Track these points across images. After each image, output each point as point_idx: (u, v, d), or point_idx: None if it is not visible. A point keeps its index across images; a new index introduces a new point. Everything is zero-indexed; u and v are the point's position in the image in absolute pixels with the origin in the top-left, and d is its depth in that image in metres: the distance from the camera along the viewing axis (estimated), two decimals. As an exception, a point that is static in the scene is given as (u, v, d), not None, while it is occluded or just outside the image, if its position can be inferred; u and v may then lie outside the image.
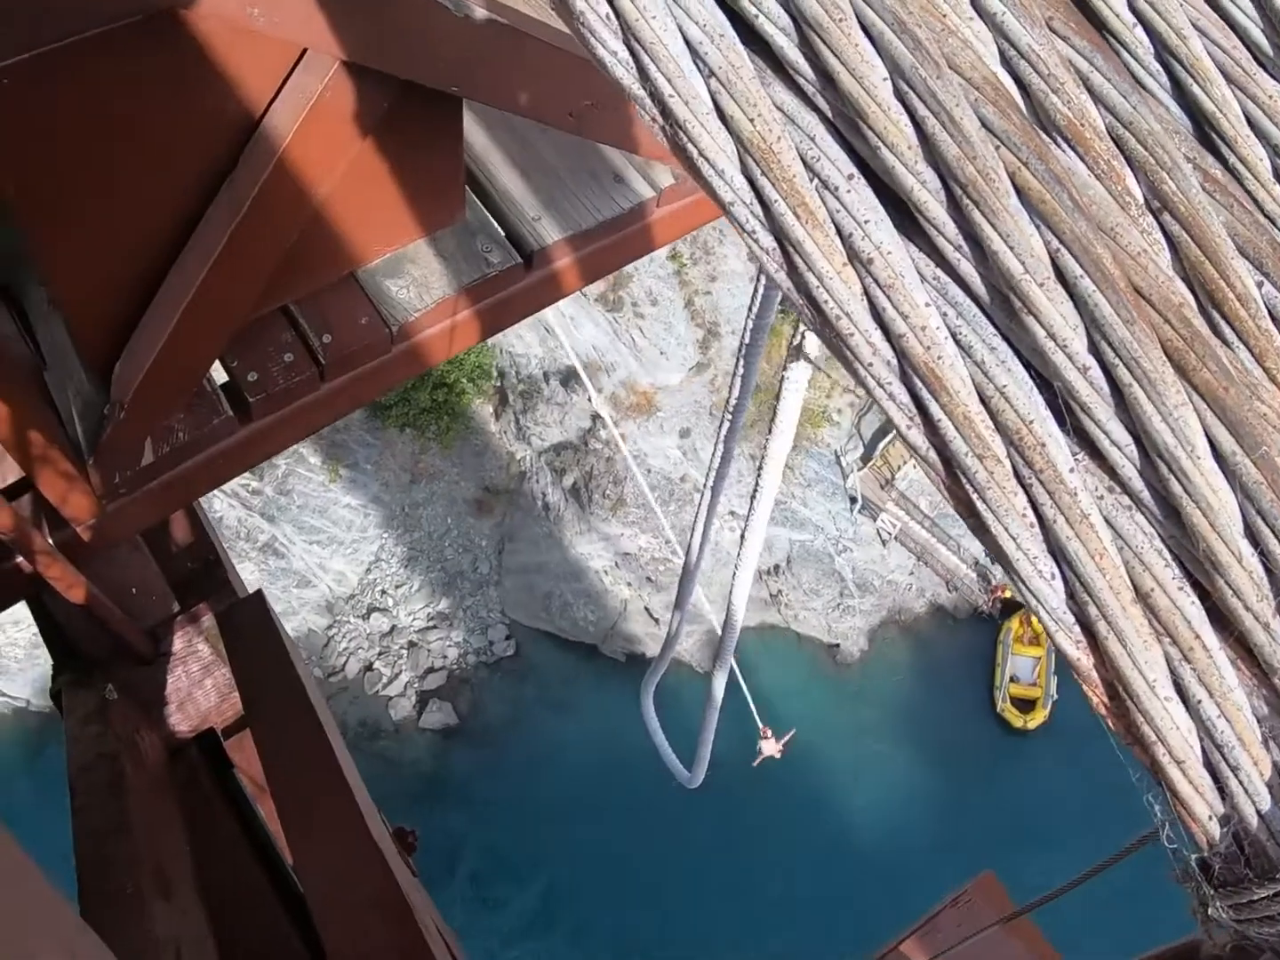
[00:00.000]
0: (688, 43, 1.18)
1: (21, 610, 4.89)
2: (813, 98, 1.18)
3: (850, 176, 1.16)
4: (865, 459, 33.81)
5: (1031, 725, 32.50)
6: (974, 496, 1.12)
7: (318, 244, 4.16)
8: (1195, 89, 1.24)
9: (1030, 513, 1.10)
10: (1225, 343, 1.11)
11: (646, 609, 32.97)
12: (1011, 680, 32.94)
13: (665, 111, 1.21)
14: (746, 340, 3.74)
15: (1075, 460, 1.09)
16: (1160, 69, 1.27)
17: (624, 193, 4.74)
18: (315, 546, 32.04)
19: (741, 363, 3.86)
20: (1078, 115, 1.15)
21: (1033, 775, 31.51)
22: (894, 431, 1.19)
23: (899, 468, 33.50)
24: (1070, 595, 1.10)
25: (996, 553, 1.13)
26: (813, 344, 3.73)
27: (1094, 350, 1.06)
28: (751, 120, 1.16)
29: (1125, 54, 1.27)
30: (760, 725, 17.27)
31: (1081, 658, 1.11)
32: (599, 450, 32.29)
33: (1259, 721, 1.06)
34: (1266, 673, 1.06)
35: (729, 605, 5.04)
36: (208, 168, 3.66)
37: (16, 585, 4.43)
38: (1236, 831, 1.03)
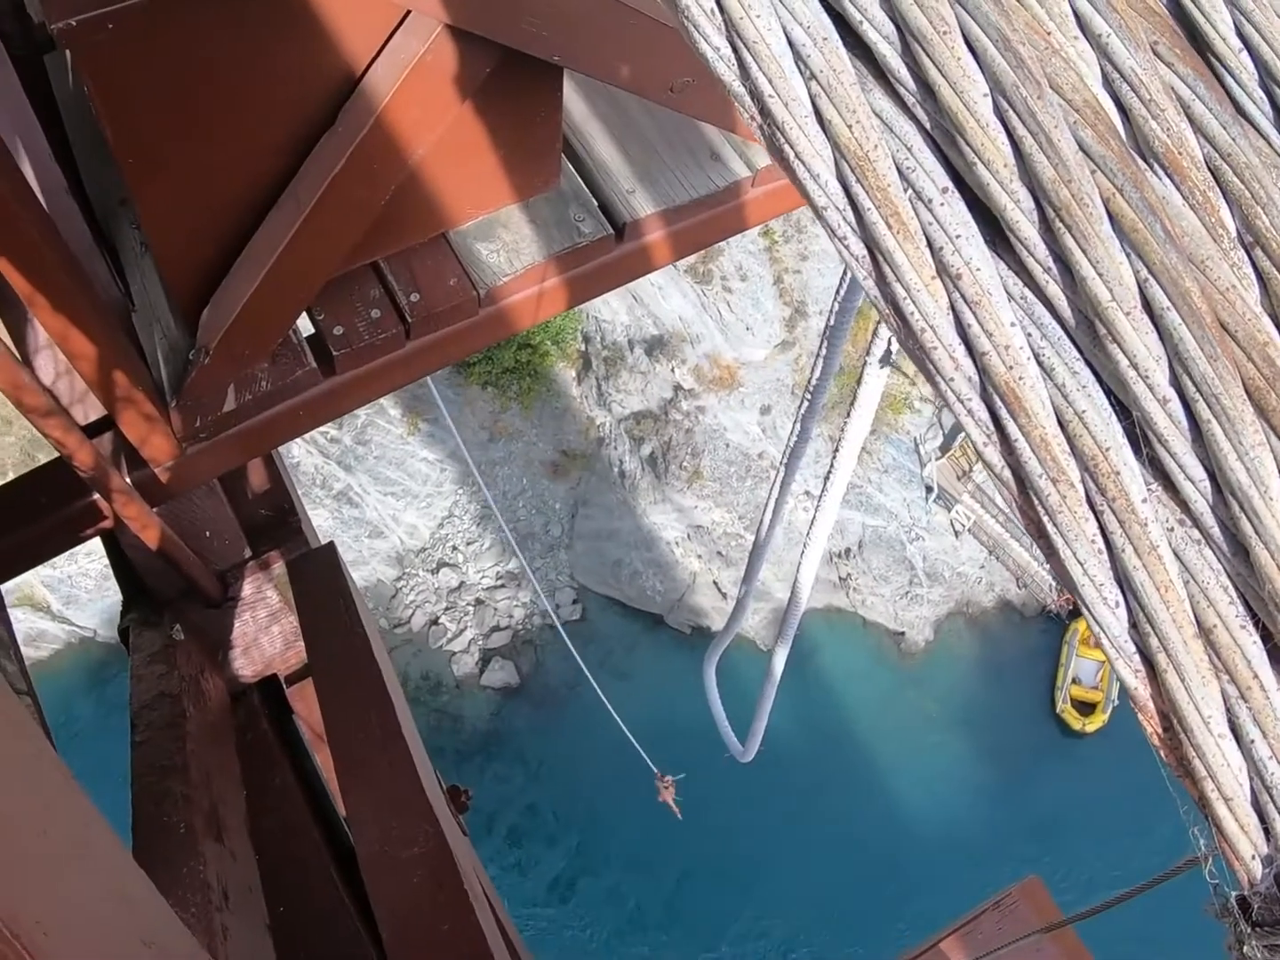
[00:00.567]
0: (791, 44, 1.19)
1: (93, 541, 4.95)
2: (912, 108, 1.18)
3: (945, 190, 1.16)
4: (944, 449, 33.61)
5: (1090, 729, 32.27)
6: (1045, 519, 1.12)
7: (411, 203, 4.18)
8: (1299, 120, 1.23)
9: (1100, 539, 1.10)
10: (1309, 384, 1.10)
11: (715, 583, 32.96)
12: (1074, 682, 32.71)
13: (764, 111, 1.21)
14: (832, 321, 3.73)
15: (1149, 491, 1.09)
16: (1264, 97, 1.26)
17: (720, 170, 4.73)
18: (389, 498, 32.22)
19: (826, 343, 3.85)
20: (1176, 144, 1.15)
21: (1087, 779, 31.31)
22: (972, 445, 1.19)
23: (977, 461, 33.28)
24: (1133, 624, 1.10)
25: (1063, 576, 1.13)
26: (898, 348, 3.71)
27: (1175, 383, 1.06)
28: (850, 126, 1.16)
29: (1229, 79, 1.26)
30: (656, 771, 18.10)
31: (1139, 687, 1.11)
32: (679, 421, 32.26)
33: (1313, 766, 1.05)
34: (1325, 717, 1.05)
35: (795, 583, 5.04)
36: (306, 122, 3.68)
37: (92, 522, 4.49)
38: (1278, 873, 1.03)
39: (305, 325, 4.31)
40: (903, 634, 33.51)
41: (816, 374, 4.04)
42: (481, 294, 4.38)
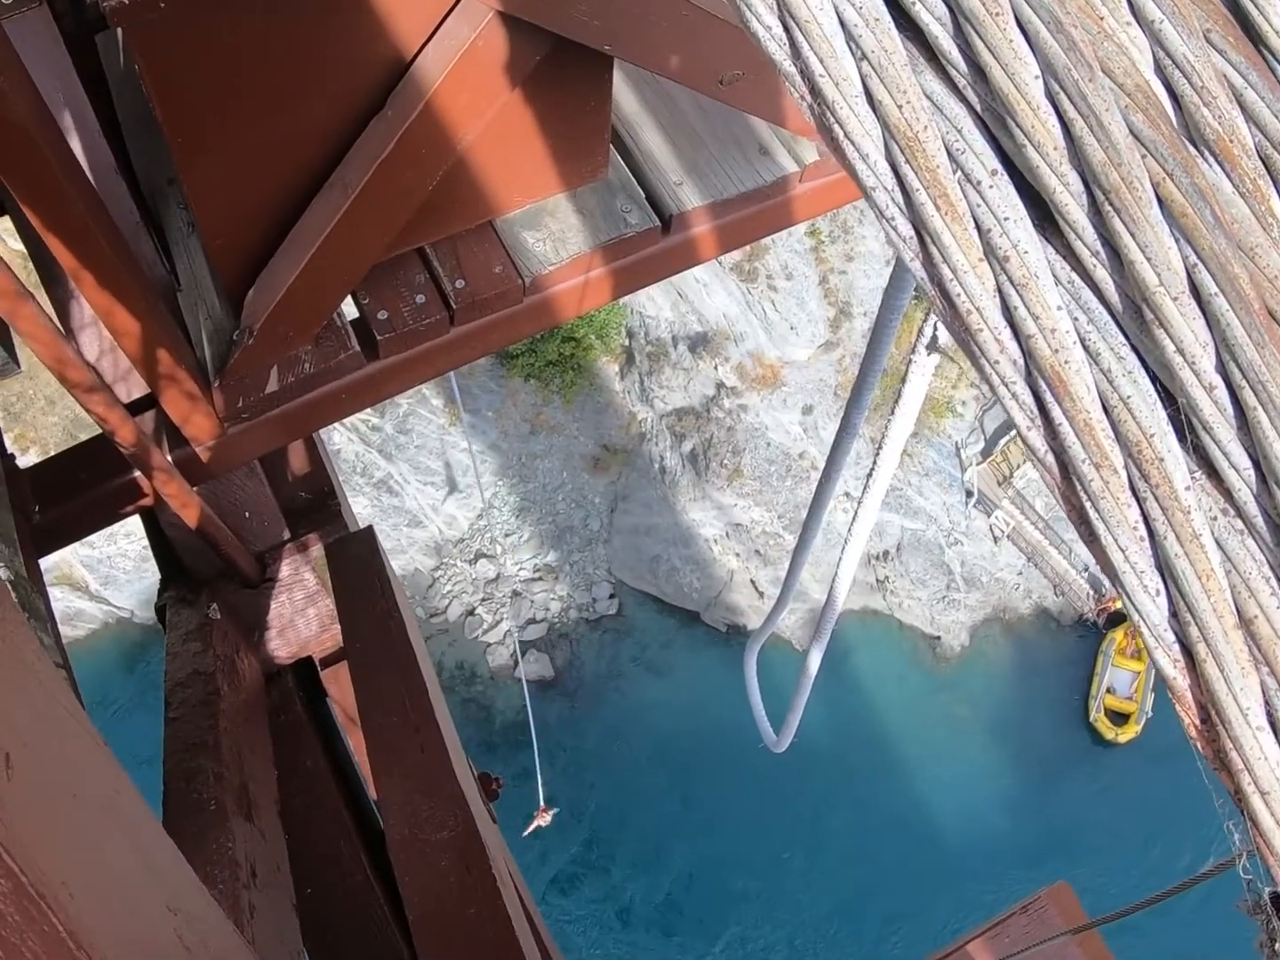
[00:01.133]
0: (843, 23, 1.18)
1: (132, 521, 4.97)
2: (963, 90, 1.17)
3: (994, 172, 1.15)
4: (985, 454, 33.50)
5: (1122, 739, 32.15)
6: (1087, 505, 1.12)
7: (459, 189, 4.19)
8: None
9: (1142, 526, 1.09)
10: (1357, 375, 1.09)
11: (753, 582, 32.94)
12: (1108, 691, 32.59)
13: (814, 90, 1.20)
14: (878, 321, 3.73)
15: (1192, 478, 1.08)
16: (1318, 88, 1.25)
17: (768, 165, 4.71)
18: (429, 488, 32.31)
19: (871, 344, 3.84)
20: (1228, 131, 1.14)
21: (1118, 789, 31.19)
22: (1015, 430, 1.18)
23: (1018, 466, 33.18)
24: (1173, 613, 1.09)
25: (1104, 562, 1.13)
26: (945, 334, 3.70)
27: (1221, 370, 1.05)
28: (900, 107, 1.16)
29: (1284, 70, 1.25)
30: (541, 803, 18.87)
31: (1178, 677, 1.10)
32: (721, 419, 32.25)
33: (1352, 763, 1.04)
34: (1365, 714, 1.04)
35: (833, 585, 5.03)
36: (355, 106, 3.69)
37: (132, 499, 4.51)
38: (1315, 870, 1.02)
39: (350, 309, 4.33)
40: (938, 638, 33.43)
41: (862, 373, 4.03)
42: (526, 282, 4.38)
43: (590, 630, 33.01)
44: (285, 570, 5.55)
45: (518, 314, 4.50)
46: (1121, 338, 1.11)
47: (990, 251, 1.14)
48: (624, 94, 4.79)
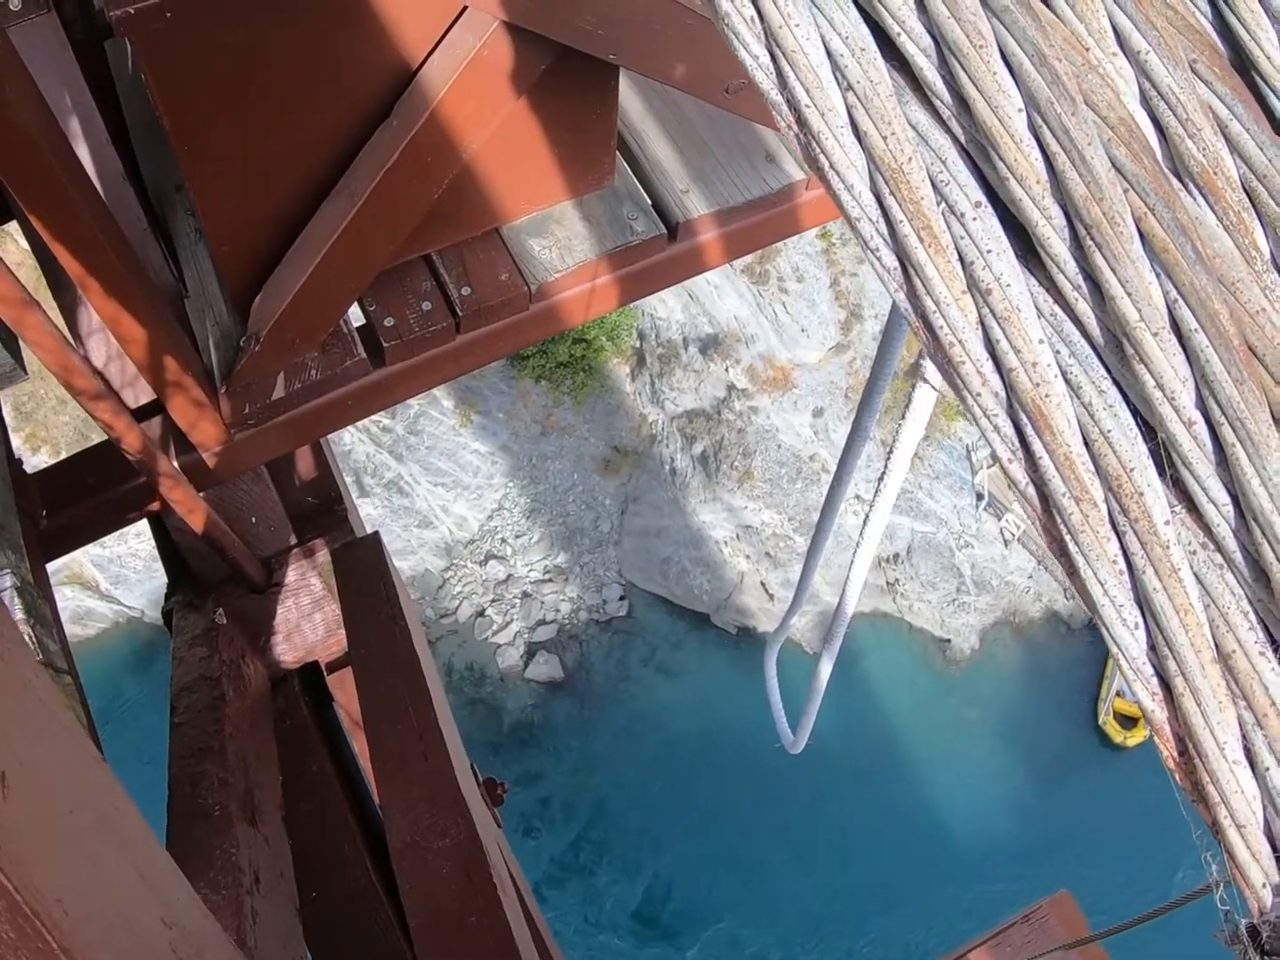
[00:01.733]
0: (829, 54, 1.19)
1: (143, 521, 4.99)
2: (947, 121, 1.18)
3: (977, 204, 1.15)
4: (995, 457, 33.38)
5: (1131, 743, 32.02)
6: (1067, 538, 1.12)
7: (465, 197, 4.20)
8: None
9: (1121, 560, 1.10)
10: (1338, 412, 1.10)
11: (763, 584, 32.89)
12: (1118, 695, 32.48)
13: (800, 120, 1.21)
14: (888, 326, 3.73)
15: (1172, 513, 1.08)
16: (1310, 118, 1.25)
17: (774, 173, 4.72)
18: (440, 489, 32.30)
19: (881, 348, 3.84)
20: (1212, 163, 1.14)
21: (1125, 793, 31.07)
22: (997, 462, 1.19)
23: (1026, 470, 33.06)
24: (1152, 647, 1.10)
25: (1083, 595, 1.13)
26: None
27: (1201, 406, 1.06)
28: (885, 138, 1.16)
29: (1273, 98, 1.25)
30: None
31: (1156, 710, 1.10)
32: (731, 421, 32.20)
33: (1328, 798, 1.05)
34: (1343, 748, 1.05)
35: (845, 586, 5.03)
36: (361, 114, 3.71)
37: (139, 505, 4.53)
38: (1290, 903, 1.02)
39: (356, 315, 4.34)
40: (948, 641, 33.36)
41: (873, 376, 4.03)
42: (533, 289, 4.39)
43: (600, 632, 32.97)
44: (291, 575, 5.56)
45: (524, 321, 4.51)
46: (1103, 371, 1.12)
47: (973, 284, 1.14)
48: (630, 101, 4.80)
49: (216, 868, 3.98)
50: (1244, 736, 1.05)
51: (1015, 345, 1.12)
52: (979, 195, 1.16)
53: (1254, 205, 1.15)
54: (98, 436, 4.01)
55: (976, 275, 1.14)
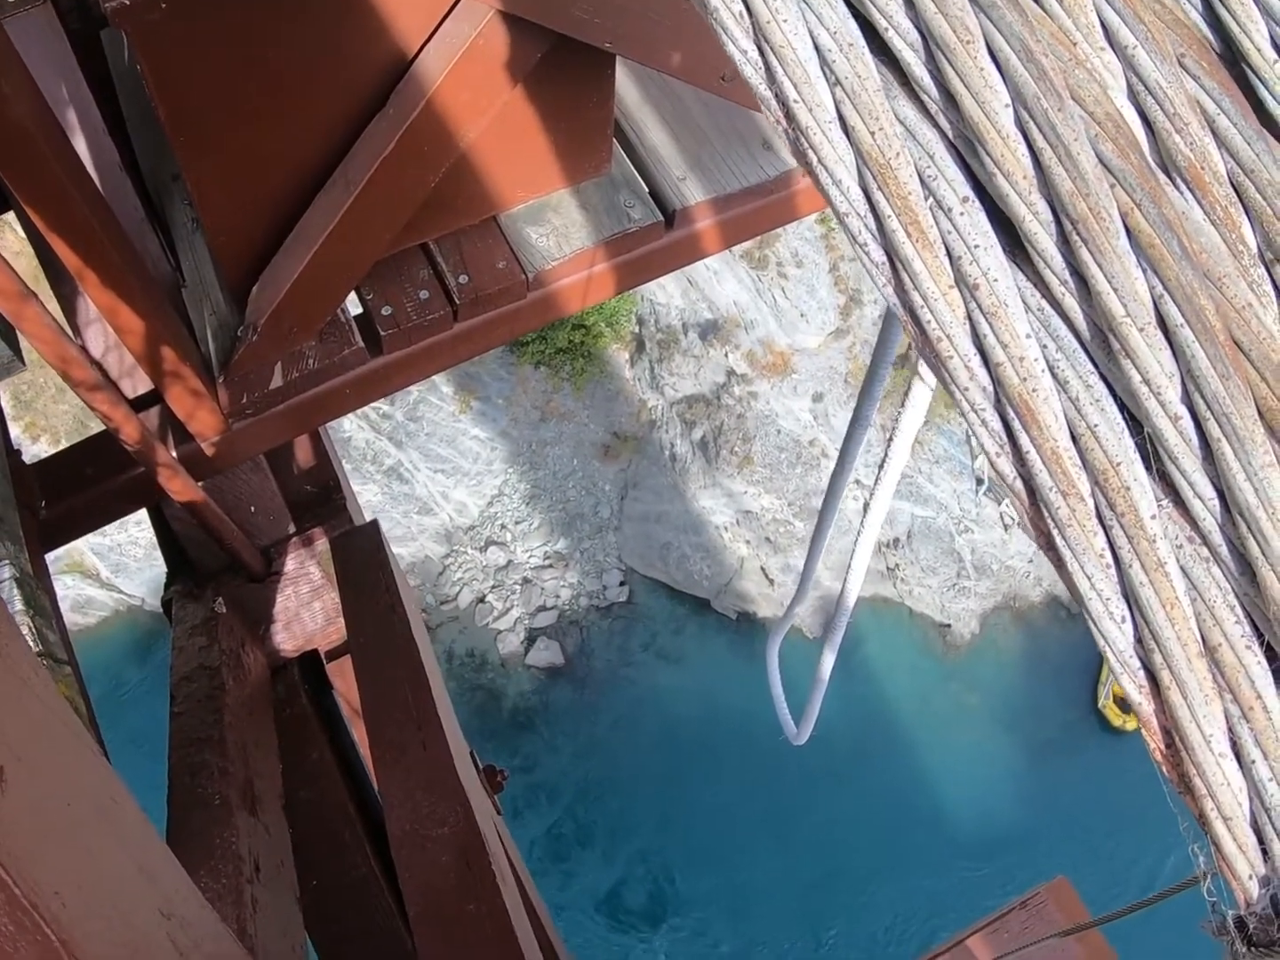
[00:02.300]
0: (817, 49, 1.19)
1: (142, 511, 5.00)
2: (935, 116, 1.18)
3: (965, 199, 1.16)
4: (984, 451, 33.28)
5: (1130, 727, 31.91)
6: (1054, 531, 1.13)
7: (462, 185, 4.20)
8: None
9: (1108, 554, 1.10)
10: (1324, 408, 1.10)
11: (763, 569, 32.88)
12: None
13: (789, 115, 1.21)
14: (888, 314, 3.73)
15: (1159, 507, 1.09)
16: (1296, 111, 1.25)
17: (771, 160, 4.72)
18: (440, 475, 32.28)
19: (881, 336, 3.84)
20: (1200, 158, 1.15)
21: (1125, 777, 31.06)
22: (984, 455, 1.20)
23: (1028, 454, 33.02)
24: (1138, 640, 1.10)
25: (1071, 588, 1.14)
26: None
27: (1187, 400, 1.06)
28: (872, 133, 1.16)
29: (1264, 91, 1.26)
30: None
31: (1143, 703, 1.11)
32: (731, 406, 32.17)
33: (1313, 790, 1.05)
34: (1329, 741, 1.05)
35: (846, 578, 5.02)
36: (357, 104, 3.71)
37: (137, 494, 4.53)
38: (1275, 894, 1.03)
39: (354, 304, 4.35)
40: (949, 626, 33.35)
41: (874, 361, 4.03)
42: (530, 277, 4.39)
43: (601, 617, 32.95)
44: (290, 564, 5.57)
45: (521, 309, 4.51)
46: (1090, 366, 1.12)
47: (961, 279, 1.14)
48: (627, 89, 4.79)
49: (216, 856, 3.99)
50: (1230, 729, 1.05)
51: (1002, 340, 1.12)
52: (966, 190, 1.16)
53: (1241, 200, 1.16)
54: (96, 426, 4.02)
55: (964, 270, 1.14)
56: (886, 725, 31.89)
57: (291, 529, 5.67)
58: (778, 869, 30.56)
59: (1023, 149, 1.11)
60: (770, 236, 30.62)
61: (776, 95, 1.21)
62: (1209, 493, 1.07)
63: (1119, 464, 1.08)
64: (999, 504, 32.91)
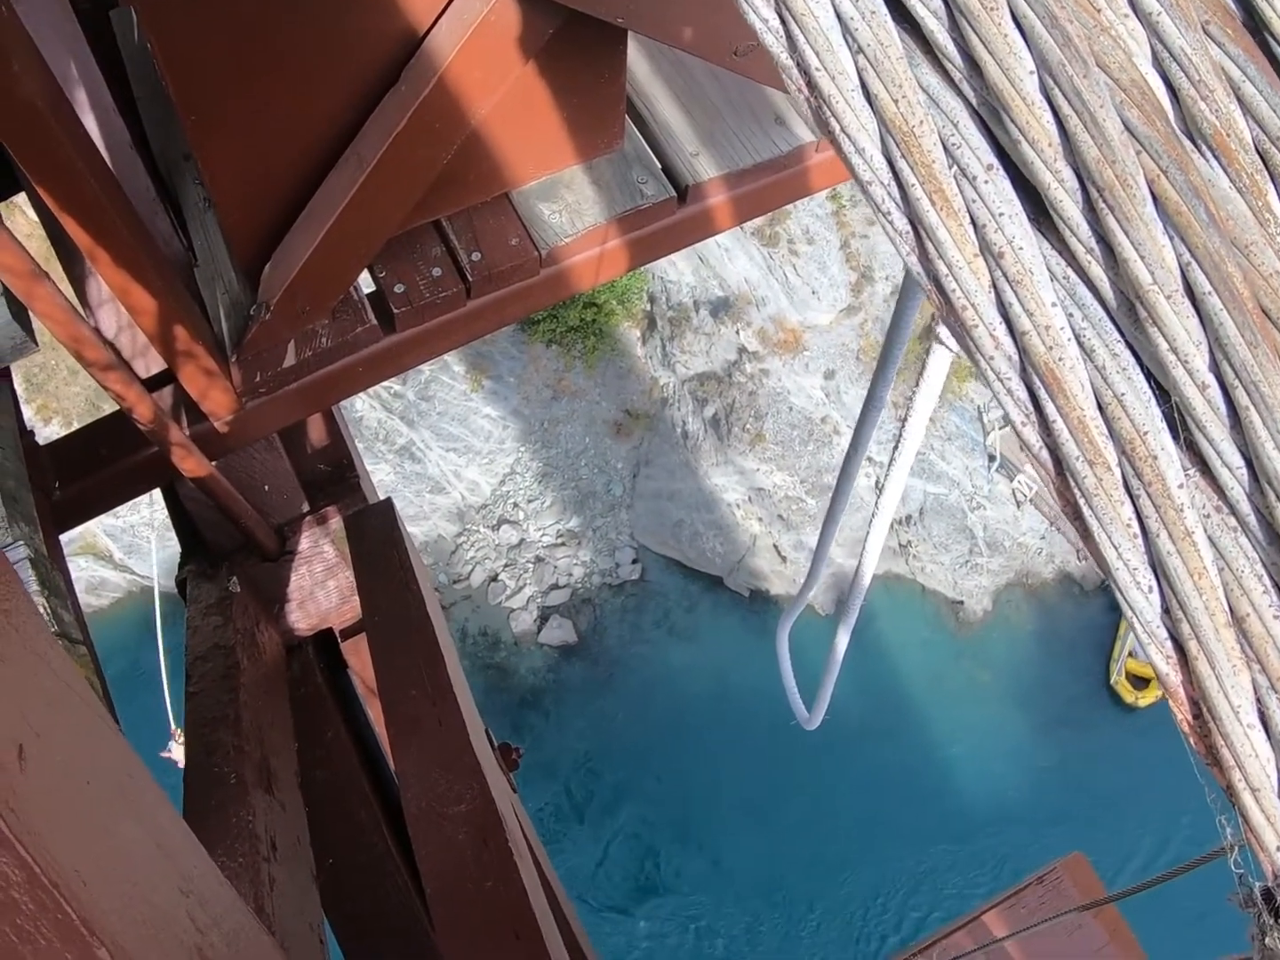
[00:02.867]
0: (839, 17, 1.18)
1: (156, 490, 5.00)
2: (958, 84, 1.17)
3: (989, 167, 1.15)
4: (1009, 420, 33.25)
5: (1143, 703, 31.98)
6: (1081, 501, 1.12)
7: (474, 162, 4.19)
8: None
9: (1135, 524, 1.09)
10: (1352, 374, 1.09)
11: (775, 546, 32.90)
12: (1130, 655, 32.43)
13: (811, 84, 1.20)
14: (902, 294, 3.70)
15: (1186, 476, 1.08)
16: (1321, 77, 1.24)
17: (784, 135, 4.70)
18: (452, 454, 32.33)
19: (895, 316, 3.82)
20: (1225, 125, 1.13)
21: (1138, 753, 31.07)
22: (1010, 425, 1.19)
23: (1041, 430, 32.97)
24: (1166, 610, 1.09)
25: (1098, 558, 1.13)
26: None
27: (1215, 369, 1.05)
28: (896, 101, 1.15)
29: (1288, 59, 1.24)
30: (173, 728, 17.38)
31: (1170, 673, 1.10)
32: (743, 383, 32.17)
33: (1343, 760, 1.05)
34: (1358, 711, 1.05)
35: (860, 560, 5.00)
36: (369, 80, 3.70)
37: (151, 474, 4.53)
38: (1305, 866, 1.02)
39: (366, 282, 4.34)
40: (961, 603, 33.36)
41: (889, 338, 4.00)
42: (543, 254, 4.38)
43: (613, 595, 33.02)
44: (305, 543, 5.56)
45: (534, 286, 4.50)
46: (1116, 334, 1.11)
47: (985, 247, 1.13)
48: (639, 64, 4.78)
49: (233, 835, 3.99)
50: (1259, 700, 1.05)
51: (1028, 309, 1.11)
52: (991, 158, 1.15)
53: (1267, 167, 1.15)
54: (109, 407, 4.01)
55: (989, 238, 1.13)
56: (898, 702, 31.93)
57: (305, 508, 5.66)
58: (804, 843, 30.63)
59: (1048, 116, 1.10)
60: (781, 213, 30.58)
61: (798, 64, 1.20)
62: (1237, 461, 1.06)
63: (1146, 433, 1.07)
64: (1011, 481, 32.89)
